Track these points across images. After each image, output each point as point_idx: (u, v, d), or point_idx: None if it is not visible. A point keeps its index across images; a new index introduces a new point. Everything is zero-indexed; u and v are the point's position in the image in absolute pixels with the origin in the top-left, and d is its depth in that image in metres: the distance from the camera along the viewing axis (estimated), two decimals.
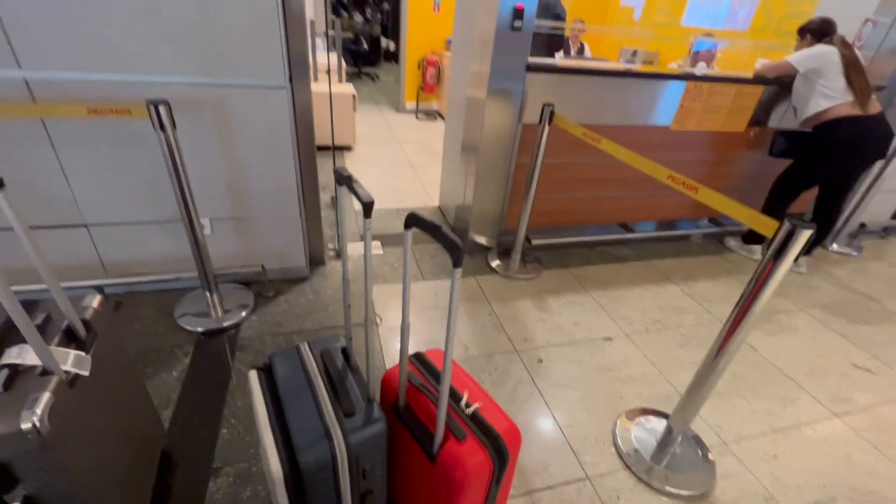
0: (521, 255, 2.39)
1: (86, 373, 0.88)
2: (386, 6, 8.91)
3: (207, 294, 1.86)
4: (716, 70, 2.72)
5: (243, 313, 1.89)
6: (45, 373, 0.82)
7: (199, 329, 1.78)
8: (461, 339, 1.88)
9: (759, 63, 2.43)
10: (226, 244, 1.96)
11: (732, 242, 2.84)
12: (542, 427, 1.53)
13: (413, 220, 0.73)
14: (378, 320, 1.96)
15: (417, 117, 5.40)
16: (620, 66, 2.43)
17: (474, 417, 0.94)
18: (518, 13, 1.88)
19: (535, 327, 2.00)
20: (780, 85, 2.45)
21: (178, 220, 1.83)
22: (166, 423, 1.41)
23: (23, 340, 0.87)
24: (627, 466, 1.42)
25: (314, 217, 2.12)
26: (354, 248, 2.48)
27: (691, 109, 2.38)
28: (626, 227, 2.82)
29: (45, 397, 0.78)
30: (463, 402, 0.96)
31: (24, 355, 0.82)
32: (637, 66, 2.38)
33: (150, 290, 1.96)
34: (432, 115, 5.52)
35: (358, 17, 8.48)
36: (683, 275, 2.52)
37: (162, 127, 1.46)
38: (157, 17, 1.46)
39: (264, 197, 1.91)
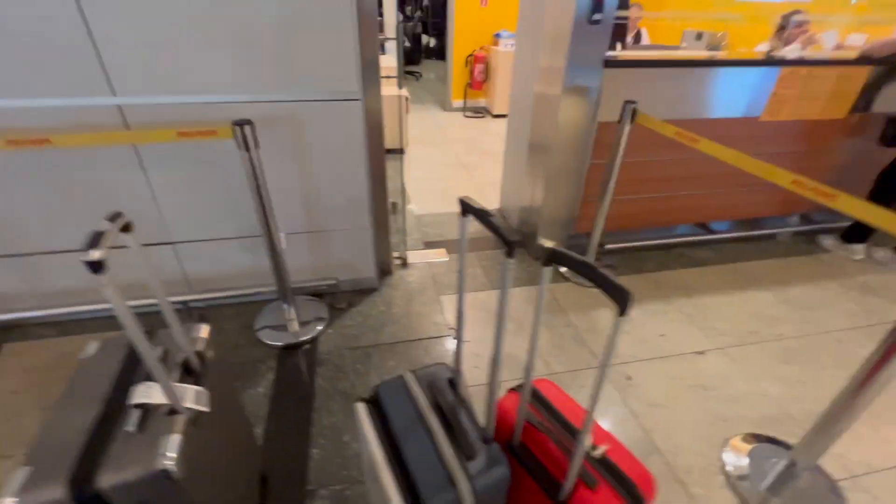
0: (594, 260, 2.27)
1: (206, 409, 0.87)
2: (425, 1, 8.83)
3: (285, 307, 1.87)
4: (817, 51, 2.46)
5: (319, 327, 1.89)
6: (172, 411, 0.82)
7: (280, 343, 1.80)
8: (541, 353, 1.80)
9: (866, 40, 2.16)
10: (299, 257, 1.97)
11: (828, 241, 2.57)
12: (641, 453, 1.42)
13: (555, 257, 0.66)
14: (453, 333, 1.91)
15: (465, 115, 5.31)
16: (704, 54, 2.24)
17: (603, 461, 0.86)
18: (598, 4, 1.75)
19: (618, 340, 1.88)
20: (891, 64, 2.18)
21: (255, 235, 1.85)
22: (258, 441, 1.42)
23: (146, 376, 0.87)
24: (744, 501, 1.30)
25: (382, 226, 2.10)
26: (417, 256, 2.45)
27: (785, 97, 2.16)
28: (704, 227, 2.63)
29: (176, 438, 0.77)
30: (588, 444, 0.88)
31: (151, 393, 0.82)
32: (722, 53, 2.18)
33: (229, 304, 2.01)
34: (480, 112, 5.42)
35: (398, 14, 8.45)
36: (774, 279, 2.31)
37: (246, 147, 1.46)
38: (238, 38, 1.45)
39: (336, 208, 1.89)
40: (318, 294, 2.08)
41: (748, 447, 1.43)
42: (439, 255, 2.45)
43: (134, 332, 0.71)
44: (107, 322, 1.89)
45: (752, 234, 2.64)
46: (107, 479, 0.71)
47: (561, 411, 0.96)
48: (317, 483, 1.31)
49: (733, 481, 1.34)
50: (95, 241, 0.64)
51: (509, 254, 0.66)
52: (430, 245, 2.55)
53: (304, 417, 1.52)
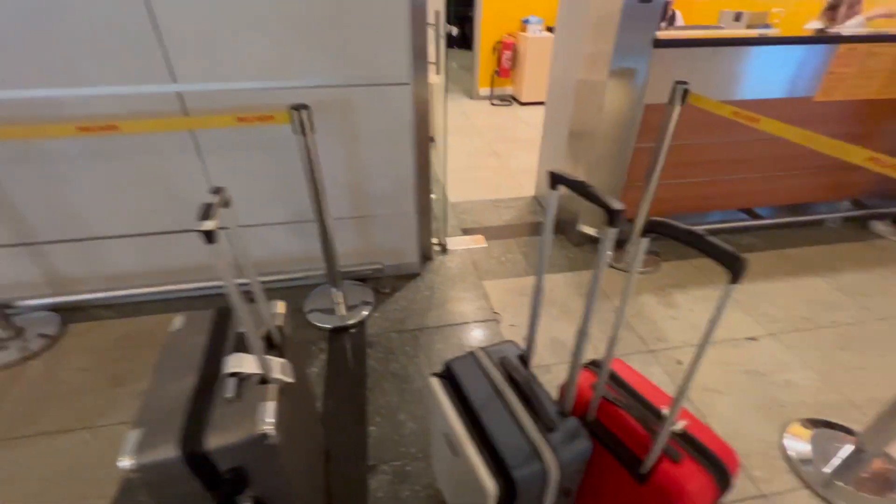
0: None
1: (291, 380, 0.91)
2: None
3: (333, 290, 1.91)
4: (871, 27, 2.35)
5: (366, 311, 1.92)
6: (263, 381, 0.85)
7: (329, 326, 1.84)
8: (589, 338, 1.79)
9: None
10: (345, 242, 2.00)
11: (881, 226, 2.48)
12: None
13: (656, 227, 0.65)
14: (497, 317, 1.92)
15: (492, 103, 5.26)
16: (754, 32, 2.17)
17: (684, 436, 0.86)
18: None
19: (667, 326, 1.86)
20: None
21: (303, 220, 1.89)
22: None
23: (234, 348, 0.91)
24: (807, 485, 1.28)
25: (425, 212, 2.11)
26: (456, 243, 2.45)
27: (842, 76, 2.08)
28: (749, 213, 2.56)
29: (272, 405, 0.80)
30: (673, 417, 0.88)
31: (244, 363, 0.85)
32: (774, 31, 2.12)
33: (277, 287, 2.05)
34: (507, 100, 5.36)
35: None
36: (826, 265, 2.24)
37: (303, 131, 1.48)
38: (292, 23, 1.47)
39: (382, 194, 1.91)
40: (362, 279, 2.11)
41: (809, 432, 1.40)
42: (477, 242, 2.45)
43: (239, 304, 0.74)
44: (161, 304, 1.95)
45: (800, 220, 2.56)
46: (212, 442, 0.74)
47: (635, 388, 0.96)
48: (377, 459, 1.35)
49: (795, 465, 1.32)
50: (206, 212, 0.67)
51: (611, 223, 0.66)
52: (467, 232, 2.56)
53: (359, 396, 1.55)
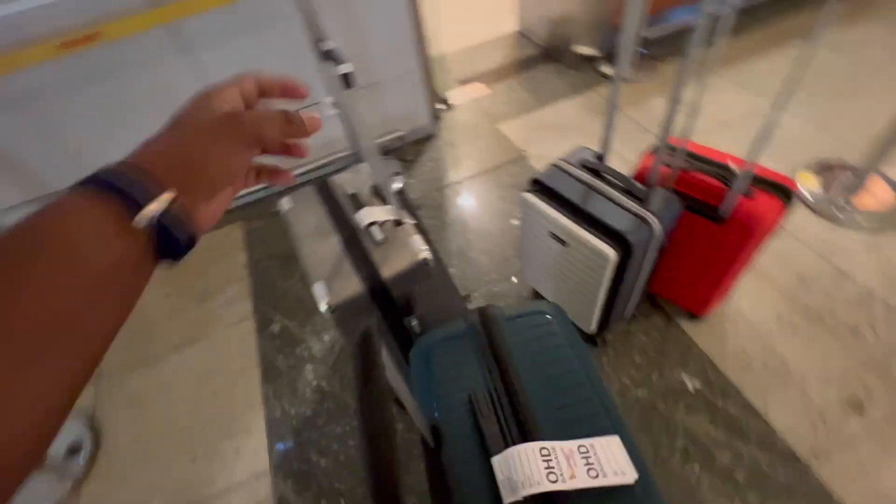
0: (637, 53, 2.25)
1: (415, 222, 1.01)
2: None
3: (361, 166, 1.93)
4: None
5: (400, 178, 1.98)
6: (398, 223, 0.96)
7: None
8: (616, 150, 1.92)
9: None
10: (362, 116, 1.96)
11: None
12: None
13: None
14: (525, 153, 2.01)
15: None
16: None
17: (750, 177, 1.02)
18: None
19: (678, 119, 1.98)
20: None
21: (313, 102, 1.82)
22: None
23: (358, 206, 0.99)
24: (815, 211, 1.55)
25: (428, 66, 2.03)
26: (458, 96, 2.41)
27: None
28: None
29: (418, 238, 0.92)
30: (734, 168, 1.04)
31: (377, 214, 0.95)
32: None
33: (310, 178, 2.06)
34: None
35: None
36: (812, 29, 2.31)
37: None
38: None
39: (384, 55, 1.82)
40: (384, 152, 2.12)
41: (815, 174, 1.64)
42: (479, 90, 2.41)
43: (375, 160, 0.80)
44: None
45: None
46: (385, 273, 0.88)
47: (701, 153, 1.10)
48: (468, 289, 1.55)
49: (806, 199, 1.58)
50: (338, 57, 0.68)
51: None
52: (464, 82, 2.49)
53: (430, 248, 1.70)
